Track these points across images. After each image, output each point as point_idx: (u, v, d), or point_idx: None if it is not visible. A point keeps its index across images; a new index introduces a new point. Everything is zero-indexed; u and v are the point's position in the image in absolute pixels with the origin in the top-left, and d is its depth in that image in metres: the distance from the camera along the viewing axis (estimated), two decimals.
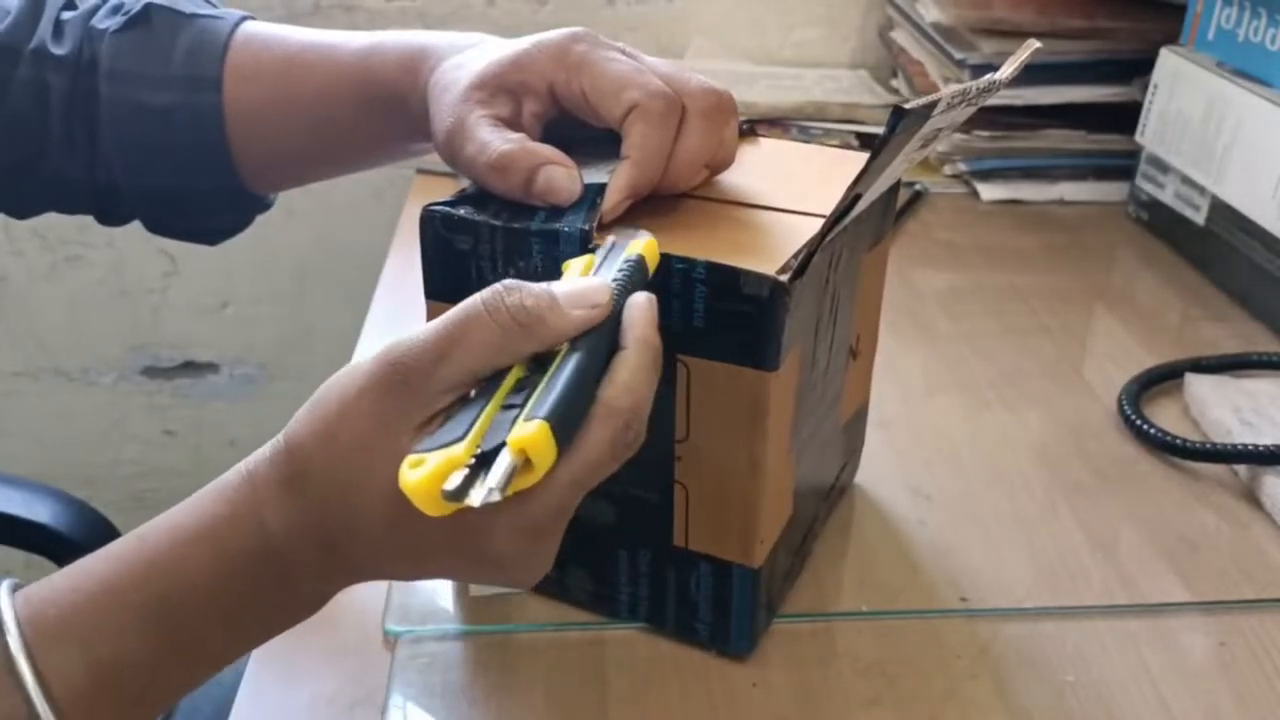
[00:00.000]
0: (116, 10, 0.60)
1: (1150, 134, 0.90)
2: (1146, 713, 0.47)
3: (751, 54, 1.17)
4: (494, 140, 0.45)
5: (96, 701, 0.36)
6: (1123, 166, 0.94)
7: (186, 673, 0.38)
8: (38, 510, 0.78)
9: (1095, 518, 0.58)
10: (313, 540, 0.37)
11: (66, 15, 0.60)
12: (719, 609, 0.48)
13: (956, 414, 0.67)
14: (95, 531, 0.79)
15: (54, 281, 1.24)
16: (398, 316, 0.74)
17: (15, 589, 0.37)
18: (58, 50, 0.58)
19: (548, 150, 0.45)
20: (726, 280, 0.41)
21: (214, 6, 0.62)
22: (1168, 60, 0.88)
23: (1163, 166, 0.89)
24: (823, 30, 1.17)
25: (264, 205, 0.64)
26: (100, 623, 0.36)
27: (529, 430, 0.33)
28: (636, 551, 0.48)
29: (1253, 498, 0.60)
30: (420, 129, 0.52)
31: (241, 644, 0.40)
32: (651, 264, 0.41)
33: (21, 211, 0.64)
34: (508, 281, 0.36)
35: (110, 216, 0.63)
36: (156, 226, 0.63)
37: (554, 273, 0.41)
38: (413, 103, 0.53)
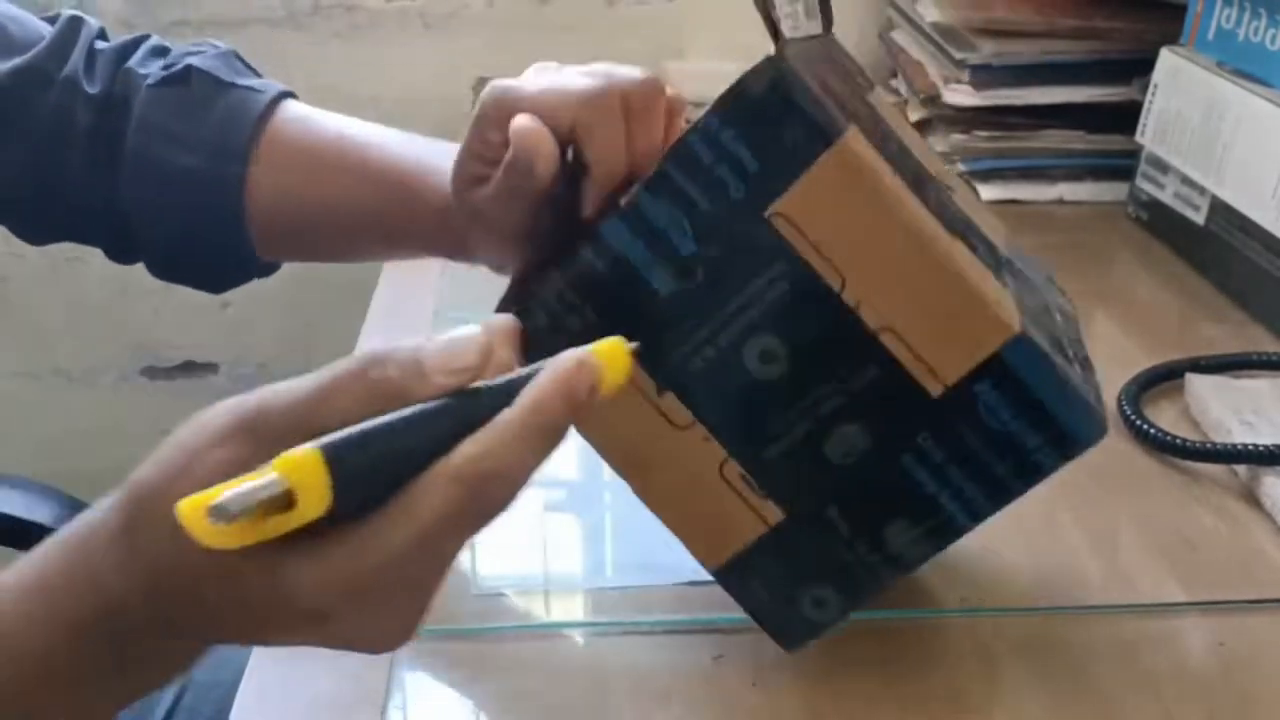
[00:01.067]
0: (156, 53, 0.61)
1: (1150, 134, 0.90)
2: (1146, 713, 0.47)
3: (752, 54, 1.16)
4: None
5: None
6: (1123, 166, 0.94)
7: None
8: (38, 511, 0.78)
9: (1095, 518, 0.58)
10: (141, 591, 0.34)
11: (100, 45, 0.61)
12: (1039, 405, 0.41)
13: None
14: None
15: (54, 282, 1.24)
16: (398, 316, 0.74)
17: None
18: (90, 89, 0.59)
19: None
20: (738, 108, 0.39)
21: (257, 75, 0.62)
22: (1168, 60, 0.88)
23: (1163, 166, 0.89)
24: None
25: (270, 269, 0.65)
26: None
27: (296, 452, 0.30)
28: (912, 443, 0.42)
29: (1253, 498, 0.60)
30: (436, 236, 0.55)
31: (79, 708, 0.36)
32: (614, 363, 0.35)
33: (37, 237, 0.64)
34: (378, 350, 0.33)
35: (120, 255, 0.64)
36: (162, 273, 0.64)
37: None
38: (431, 209, 0.54)
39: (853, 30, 1.17)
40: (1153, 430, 0.63)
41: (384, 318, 0.75)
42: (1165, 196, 0.89)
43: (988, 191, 0.96)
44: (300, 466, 0.30)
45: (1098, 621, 0.52)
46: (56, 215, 0.61)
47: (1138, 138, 0.91)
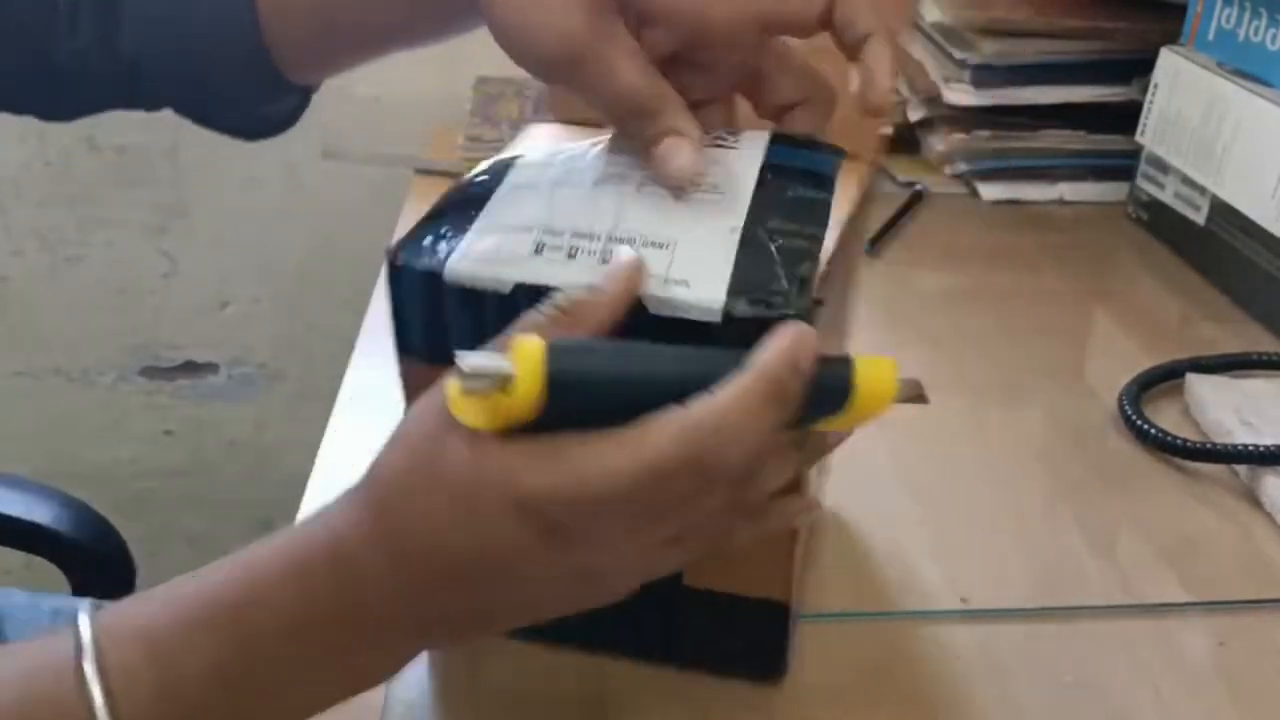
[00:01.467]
0: None
1: (1150, 134, 0.90)
2: (1146, 713, 0.47)
3: None
4: (634, 80, 0.41)
5: None
6: (1123, 166, 0.94)
7: (261, 706, 0.36)
8: (38, 511, 0.78)
9: (1095, 518, 0.58)
10: (385, 551, 0.35)
11: None
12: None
13: (956, 414, 0.67)
14: (95, 532, 0.79)
15: (54, 281, 1.24)
16: None
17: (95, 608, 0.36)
18: None
19: (683, 112, 0.41)
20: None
21: None
22: (1168, 60, 0.88)
23: (1163, 166, 0.89)
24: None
25: (300, 91, 0.59)
26: (176, 644, 0.35)
27: (526, 339, 0.33)
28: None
29: (1253, 498, 0.60)
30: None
31: (312, 685, 0.37)
32: (874, 395, 0.36)
33: (57, 112, 0.61)
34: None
35: (143, 101, 0.59)
36: (196, 114, 0.59)
37: None
38: None
39: None
40: (1153, 430, 0.63)
41: (384, 318, 0.75)
42: (1165, 196, 0.89)
43: (989, 191, 0.96)
44: (524, 349, 0.33)
45: (1098, 621, 0.52)
46: (63, 80, 0.57)
47: (1138, 138, 0.91)
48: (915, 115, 1.01)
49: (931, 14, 0.98)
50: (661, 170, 0.41)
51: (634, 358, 0.35)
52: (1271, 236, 0.76)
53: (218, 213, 1.23)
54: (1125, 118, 0.93)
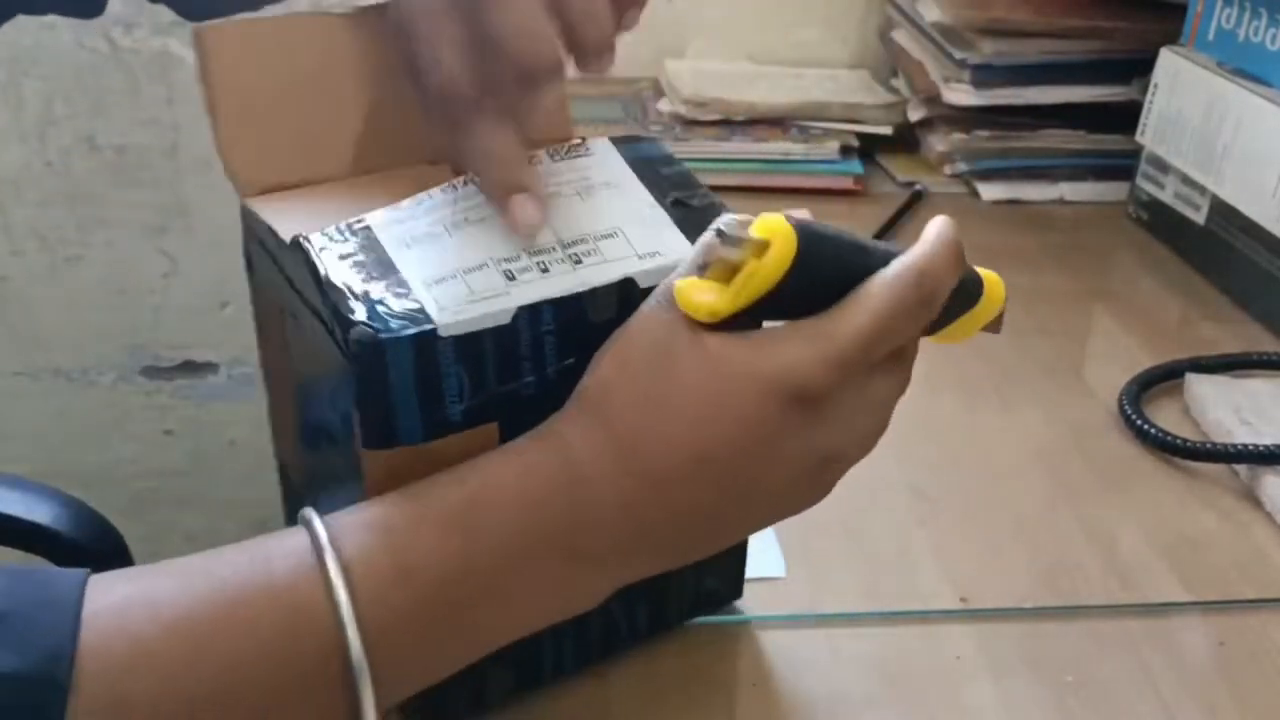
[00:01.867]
0: None
1: (1150, 134, 0.90)
2: (1146, 713, 0.47)
3: (751, 54, 1.17)
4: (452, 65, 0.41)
5: (405, 619, 0.35)
6: (1123, 166, 0.94)
7: (485, 607, 0.37)
8: (38, 511, 0.77)
9: (1095, 518, 0.58)
10: (622, 467, 0.37)
11: None
12: None
13: (956, 414, 0.67)
14: (95, 532, 0.79)
15: (54, 281, 1.24)
16: None
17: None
18: None
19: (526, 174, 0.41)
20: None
21: None
22: (1168, 60, 0.88)
23: (1163, 166, 0.89)
24: (823, 30, 1.17)
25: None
26: (408, 538, 0.36)
27: (771, 217, 0.36)
28: None
29: (1253, 498, 0.60)
30: None
31: (533, 594, 0.38)
32: (993, 297, 0.44)
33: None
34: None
35: None
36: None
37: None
38: None
39: (853, 30, 1.17)
40: (1153, 430, 0.63)
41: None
42: (1165, 196, 0.89)
43: (989, 191, 0.96)
44: (774, 225, 0.36)
45: (1098, 621, 0.52)
46: None
47: (1138, 138, 0.91)
48: (915, 115, 1.01)
49: (931, 14, 0.99)
50: (512, 224, 0.40)
51: (844, 236, 0.38)
52: (1271, 236, 0.76)
53: (218, 213, 1.23)
54: (1125, 118, 0.93)
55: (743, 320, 0.37)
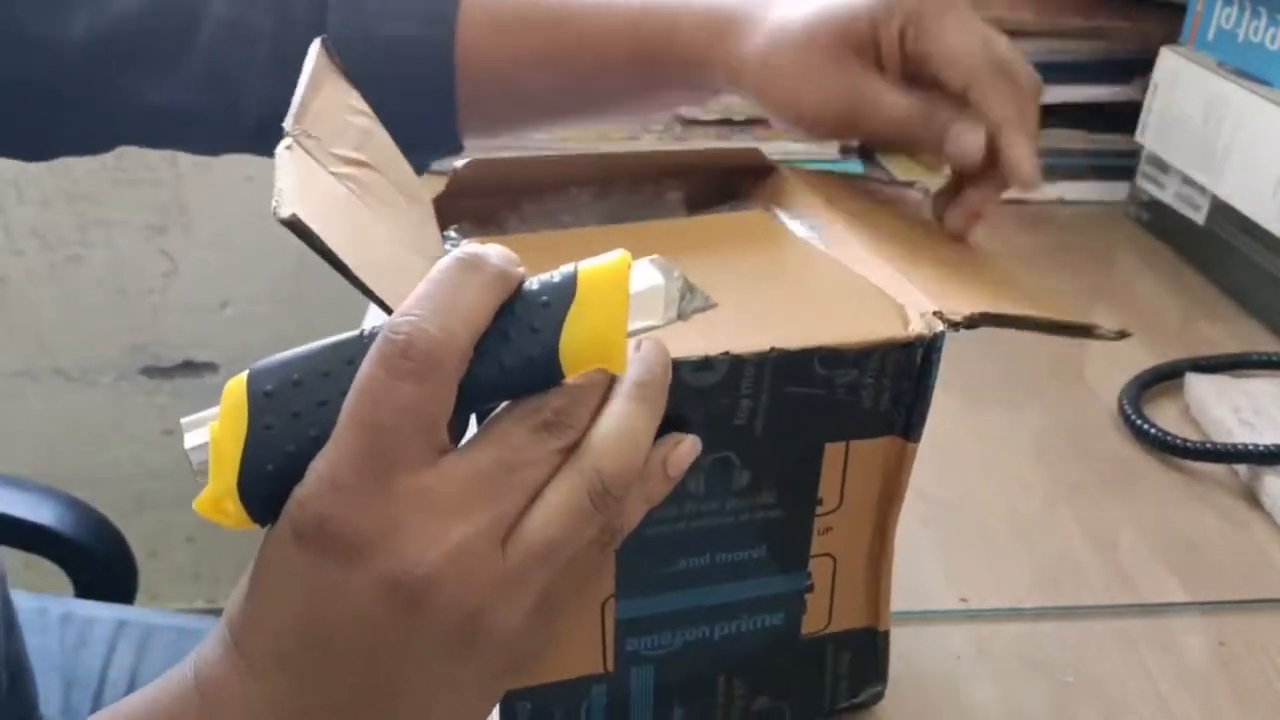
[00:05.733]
0: None
1: (1150, 134, 0.90)
2: (1146, 713, 0.47)
3: None
4: (900, 101, 0.49)
5: None
6: (1123, 166, 0.94)
7: None
8: (40, 512, 0.78)
9: (1095, 518, 0.58)
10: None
11: None
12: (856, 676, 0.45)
13: (957, 414, 0.67)
14: (96, 533, 0.79)
15: (54, 281, 1.24)
16: None
17: None
18: None
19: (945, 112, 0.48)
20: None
21: None
22: (1168, 60, 0.88)
23: (1163, 166, 0.89)
24: None
25: (452, 149, 0.60)
26: None
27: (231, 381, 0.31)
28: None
29: (1253, 498, 0.60)
30: (703, 90, 0.54)
31: None
32: (609, 281, 0.31)
33: (211, 149, 0.62)
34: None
35: None
36: None
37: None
38: (716, 68, 0.52)
39: None
40: (1153, 430, 0.63)
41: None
42: (1165, 196, 0.89)
43: None
44: (227, 390, 0.31)
45: (1098, 621, 0.52)
46: (244, 128, 0.58)
47: (1138, 138, 0.91)
48: None
49: None
50: (956, 152, 0.49)
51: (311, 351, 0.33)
52: (1271, 236, 0.76)
53: (218, 213, 1.23)
54: (1125, 118, 0.93)
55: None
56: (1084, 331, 0.42)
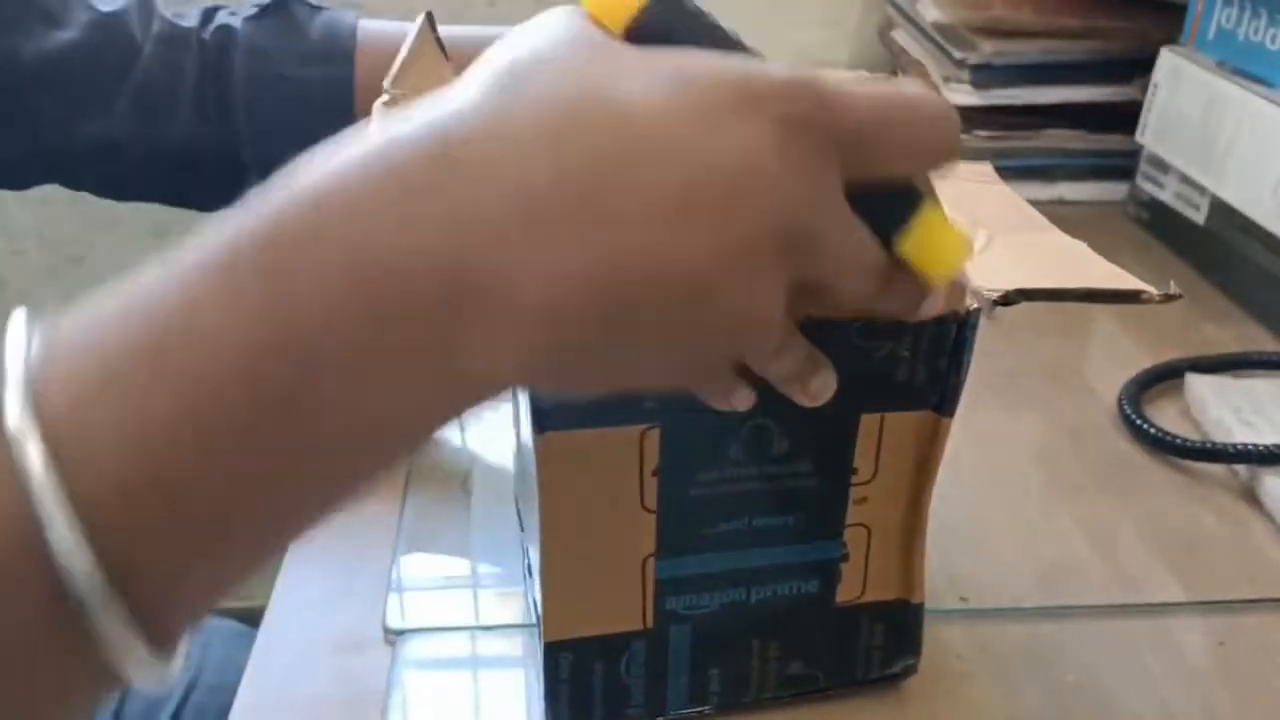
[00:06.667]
0: (232, 15, 0.64)
1: (1150, 134, 0.90)
2: (1146, 713, 0.47)
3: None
4: None
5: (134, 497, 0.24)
6: (1123, 166, 0.94)
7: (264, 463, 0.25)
8: None
9: (1095, 518, 0.58)
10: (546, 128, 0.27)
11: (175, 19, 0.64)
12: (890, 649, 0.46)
13: (956, 414, 0.67)
14: None
15: (54, 282, 1.24)
16: None
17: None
18: (187, 24, 0.63)
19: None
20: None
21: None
22: (1168, 60, 0.88)
23: (1163, 166, 0.89)
24: (823, 30, 1.17)
25: None
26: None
27: None
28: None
29: (1253, 498, 0.60)
30: None
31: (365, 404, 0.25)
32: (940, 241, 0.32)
33: (133, 194, 0.68)
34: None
35: (222, 199, 0.61)
36: None
37: None
38: None
39: (853, 30, 1.17)
40: (1153, 430, 0.63)
41: None
42: (1165, 196, 0.89)
43: None
44: None
45: (1098, 621, 0.52)
46: (161, 168, 0.64)
47: (1138, 138, 0.91)
48: None
49: (931, 14, 0.99)
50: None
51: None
52: (1271, 236, 0.76)
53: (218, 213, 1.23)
54: (1125, 118, 0.93)
55: None
56: (1130, 298, 0.42)
